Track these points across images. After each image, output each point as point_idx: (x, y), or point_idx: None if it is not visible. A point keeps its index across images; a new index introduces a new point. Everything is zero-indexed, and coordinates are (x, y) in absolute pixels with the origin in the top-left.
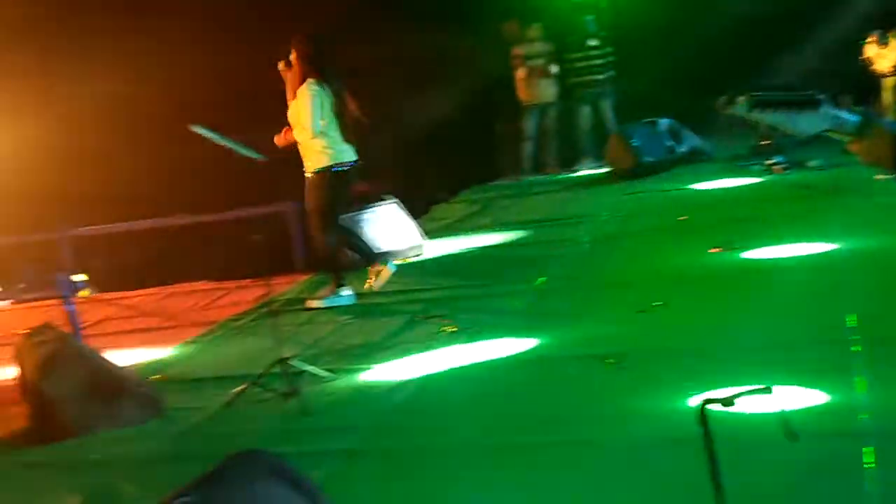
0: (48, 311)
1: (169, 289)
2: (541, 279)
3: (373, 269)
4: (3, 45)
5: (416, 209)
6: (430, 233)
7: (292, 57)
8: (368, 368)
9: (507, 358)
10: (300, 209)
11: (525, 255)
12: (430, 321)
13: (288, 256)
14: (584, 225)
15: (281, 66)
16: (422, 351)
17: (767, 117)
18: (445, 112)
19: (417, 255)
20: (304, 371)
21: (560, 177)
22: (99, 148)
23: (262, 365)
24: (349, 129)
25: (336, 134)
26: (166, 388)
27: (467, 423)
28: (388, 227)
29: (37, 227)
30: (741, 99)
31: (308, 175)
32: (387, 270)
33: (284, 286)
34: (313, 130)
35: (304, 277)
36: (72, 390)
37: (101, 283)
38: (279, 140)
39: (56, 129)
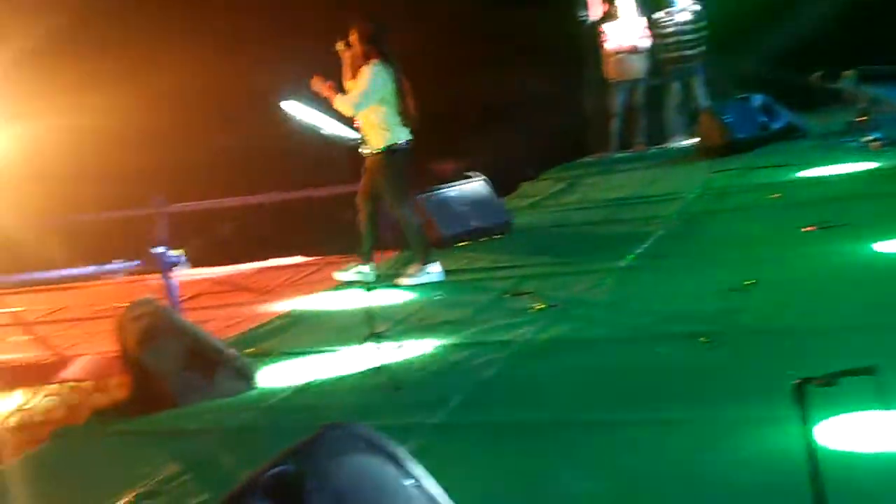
0: (147, 286)
1: (261, 264)
2: (629, 256)
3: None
4: (107, 21)
5: (504, 186)
6: (518, 210)
7: (352, 38)
8: (457, 344)
9: (596, 335)
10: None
11: (613, 233)
12: (518, 298)
13: (381, 232)
14: (674, 202)
15: (340, 46)
16: (510, 327)
17: (875, 91)
18: (533, 88)
19: (504, 233)
20: (394, 345)
21: (648, 154)
22: (193, 124)
23: (352, 339)
24: (407, 111)
25: (394, 114)
26: (260, 361)
27: (555, 400)
28: (474, 203)
29: (133, 203)
30: (848, 73)
31: (367, 154)
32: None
33: (376, 262)
34: (357, 106)
35: (394, 254)
36: (170, 362)
37: (196, 258)
38: (316, 82)
39: (152, 106)
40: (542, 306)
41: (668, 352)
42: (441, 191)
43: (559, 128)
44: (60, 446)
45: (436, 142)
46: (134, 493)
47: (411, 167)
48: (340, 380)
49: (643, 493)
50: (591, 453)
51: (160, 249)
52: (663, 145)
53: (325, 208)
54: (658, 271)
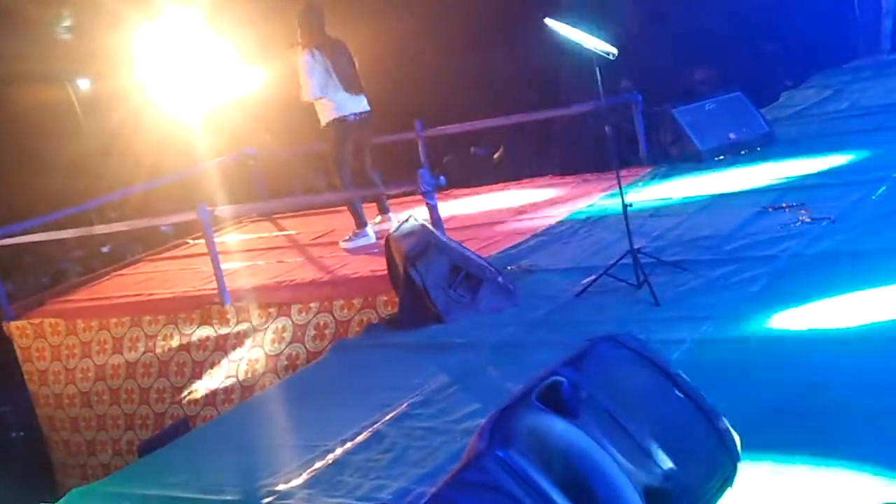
0: (409, 208)
1: (516, 184)
2: None
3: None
4: None
5: (763, 96)
6: (780, 120)
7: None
8: (718, 260)
9: (871, 247)
10: (643, 102)
11: (885, 141)
12: (782, 211)
13: (633, 149)
14: None
15: (293, 47)
16: (775, 241)
17: None
18: None
19: (765, 145)
20: (653, 262)
21: None
22: (449, 47)
23: (610, 256)
24: (352, 84)
25: (336, 91)
26: (519, 278)
27: (825, 314)
28: (731, 115)
29: (392, 128)
30: None
31: (322, 128)
32: (386, 224)
33: (630, 178)
34: (312, 96)
35: (648, 169)
36: (437, 279)
37: (451, 179)
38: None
39: (416, 32)
40: (809, 219)
41: None
42: (695, 104)
43: (824, 30)
44: (336, 359)
45: (690, 51)
46: (407, 403)
47: (356, 138)
48: (600, 296)
49: None
50: (872, 370)
51: (424, 171)
52: None
53: (576, 126)
54: None
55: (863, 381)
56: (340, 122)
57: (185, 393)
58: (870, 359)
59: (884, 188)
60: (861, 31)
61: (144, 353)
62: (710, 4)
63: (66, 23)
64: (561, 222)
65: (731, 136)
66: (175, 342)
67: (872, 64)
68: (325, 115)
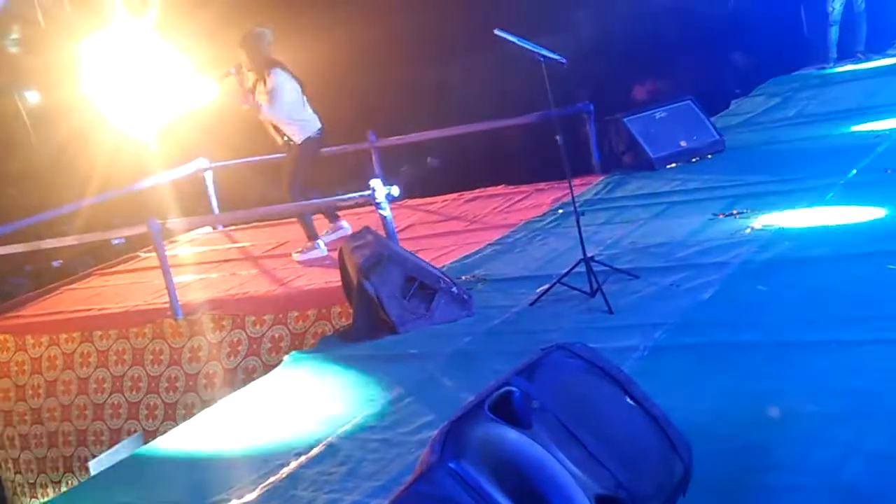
0: (362, 218)
1: (470, 193)
2: (852, 171)
3: (330, 226)
4: None
5: (713, 105)
6: (730, 129)
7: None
8: (670, 267)
9: (819, 254)
10: (596, 112)
11: (833, 148)
12: (732, 218)
13: (585, 158)
14: None
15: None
16: (726, 248)
17: None
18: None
19: (716, 152)
20: (607, 270)
21: (870, 63)
22: (401, 60)
23: (564, 264)
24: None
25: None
26: (474, 288)
27: (777, 320)
28: (682, 123)
29: (344, 138)
30: None
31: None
32: (339, 231)
33: (582, 187)
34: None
35: (601, 178)
36: (391, 290)
37: (405, 189)
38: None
39: (367, 46)
40: (758, 226)
41: None
42: (647, 113)
43: (773, 39)
44: (291, 372)
45: (638, 63)
46: (362, 415)
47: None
48: (554, 305)
49: (875, 415)
50: (817, 375)
51: (376, 182)
52: (887, 53)
53: (528, 136)
54: (884, 185)
55: (815, 388)
56: (317, 138)
57: (143, 408)
58: (822, 365)
59: (831, 195)
60: (809, 40)
61: (97, 368)
62: (662, 15)
63: (14, 35)
64: (515, 231)
65: (683, 144)
66: (128, 357)
67: (820, 72)
68: (304, 131)
